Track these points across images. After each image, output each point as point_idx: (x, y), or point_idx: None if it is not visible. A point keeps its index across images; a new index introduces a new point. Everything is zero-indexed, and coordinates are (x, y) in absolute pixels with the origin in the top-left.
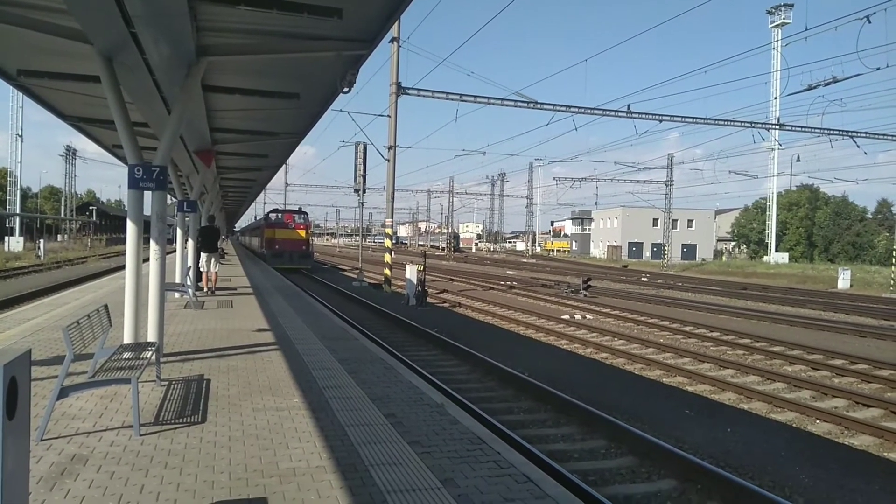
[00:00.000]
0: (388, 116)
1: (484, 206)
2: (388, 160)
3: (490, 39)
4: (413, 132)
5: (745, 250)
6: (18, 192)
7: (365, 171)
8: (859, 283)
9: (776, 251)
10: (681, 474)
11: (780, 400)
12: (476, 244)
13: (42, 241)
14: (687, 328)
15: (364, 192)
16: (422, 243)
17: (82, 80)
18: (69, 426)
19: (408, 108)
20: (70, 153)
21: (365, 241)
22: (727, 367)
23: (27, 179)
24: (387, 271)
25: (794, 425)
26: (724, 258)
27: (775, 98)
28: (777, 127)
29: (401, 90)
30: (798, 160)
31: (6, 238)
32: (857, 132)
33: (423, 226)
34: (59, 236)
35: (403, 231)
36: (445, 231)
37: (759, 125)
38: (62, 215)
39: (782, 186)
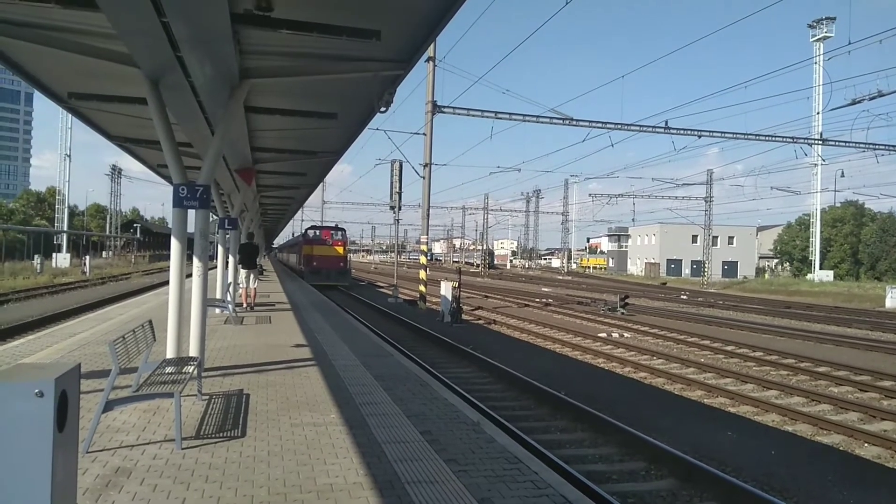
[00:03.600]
0: (424, 134)
1: (519, 223)
2: (424, 177)
3: (526, 57)
4: (448, 149)
5: (787, 268)
6: (66, 209)
7: (401, 188)
8: None
9: (820, 269)
10: (723, 498)
11: (827, 422)
12: (511, 261)
13: (88, 257)
14: (728, 347)
15: (399, 209)
16: (456, 260)
17: (129, 101)
18: (113, 439)
19: (443, 126)
20: (116, 172)
21: (400, 257)
22: (771, 387)
23: (74, 198)
24: (422, 288)
25: (841, 448)
26: (766, 276)
27: (818, 113)
28: (820, 142)
29: (436, 108)
30: (842, 176)
31: (54, 254)
32: None
33: (457, 242)
34: (104, 253)
35: (438, 248)
36: (480, 248)
37: (802, 140)
38: (107, 232)
39: (826, 202)
